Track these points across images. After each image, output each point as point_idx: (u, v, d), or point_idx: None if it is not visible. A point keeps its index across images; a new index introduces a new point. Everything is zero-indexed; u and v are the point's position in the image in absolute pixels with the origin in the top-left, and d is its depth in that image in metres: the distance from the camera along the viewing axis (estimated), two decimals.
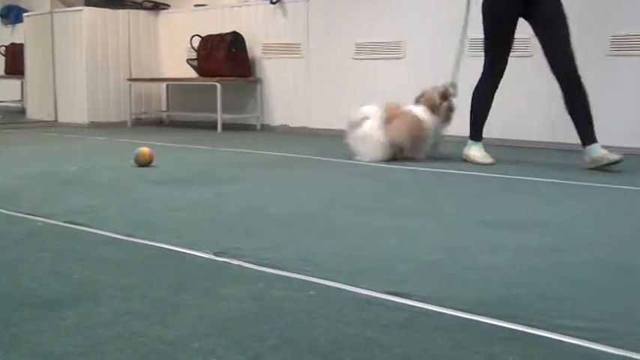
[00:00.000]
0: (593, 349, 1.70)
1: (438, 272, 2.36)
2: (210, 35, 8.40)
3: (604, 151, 4.58)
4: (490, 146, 5.27)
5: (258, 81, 8.33)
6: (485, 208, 3.49)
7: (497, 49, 4.94)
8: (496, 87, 5.02)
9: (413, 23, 6.99)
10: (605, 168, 4.53)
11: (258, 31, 8.28)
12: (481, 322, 1.88)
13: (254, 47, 8.33)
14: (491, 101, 5.08)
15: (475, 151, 5.11)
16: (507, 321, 1.88)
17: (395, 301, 2.05)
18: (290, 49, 8.04)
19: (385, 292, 2.12)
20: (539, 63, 5.03)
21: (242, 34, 8.26)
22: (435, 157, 5.24)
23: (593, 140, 4.64)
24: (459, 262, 2.47)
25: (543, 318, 1.89)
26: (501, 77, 4.99)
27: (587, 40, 5.52)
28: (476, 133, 5.14)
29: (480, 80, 5.06)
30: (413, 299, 2.06)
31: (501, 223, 3.07)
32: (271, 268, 2.38)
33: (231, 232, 2.96)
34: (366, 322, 1.88)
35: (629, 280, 2.27)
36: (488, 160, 5.03)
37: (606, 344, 1.71)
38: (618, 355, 1.66)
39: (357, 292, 2.14)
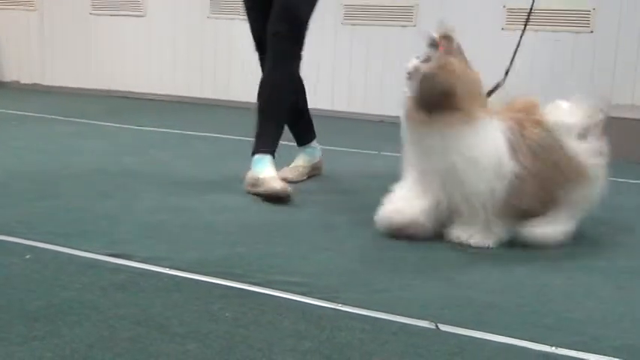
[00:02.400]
0: (301, 302, 1.79)
1: (161, 233, 2.36)
2: None
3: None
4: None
5: None
6: (217, 169, 3.53)
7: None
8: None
9: None
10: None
11: None
12: (200, 280, 1.92)
13: None
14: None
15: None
16: (225, 279, 1.93)
17: (115, 263, 2.02)
18: (22, 0, 7.56)
19: (105, 253, 2.09)
20: None
21: None
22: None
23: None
24: (183, 223, 2.48)
25: (260, 275, 1.96)
26: None
27: None
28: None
29: None
30: (133, 260, 2.04)
31: (231, 184, 3.12)
32: None
33: None
34: (83, 285, 1.84)
35: (335, 237, 2.40)
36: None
37: (313, 297, 1.82)
38: (321, 307, 1.77)
39: (75, 255, 2.08)
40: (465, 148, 2.32)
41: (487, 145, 2.33)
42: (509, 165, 2.31)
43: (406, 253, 2.25)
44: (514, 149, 2.33)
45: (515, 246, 2.39)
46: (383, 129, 5.40)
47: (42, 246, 2.15)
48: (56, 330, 1.54)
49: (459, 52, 2.40)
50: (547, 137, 2.37)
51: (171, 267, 2.00)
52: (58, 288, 1.81)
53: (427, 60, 2.39)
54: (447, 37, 2.39)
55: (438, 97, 2.32)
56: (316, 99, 5.92)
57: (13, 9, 7.62)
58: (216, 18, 6.55)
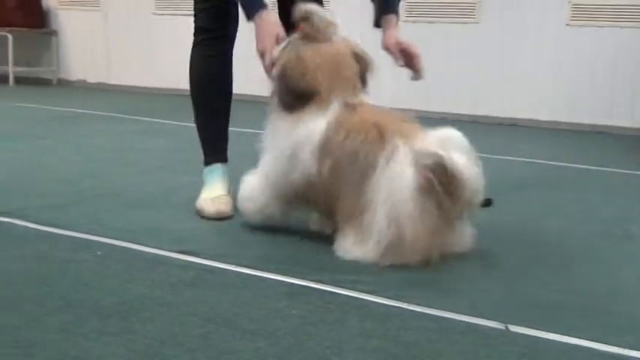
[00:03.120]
0: (367, 300, 1.80)
1: (226, 230, 2.39)
2: None
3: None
4: None
5: (53, 33, 7.95)
6: None
7: None
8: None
9: None
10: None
11: None
12: (266, 278, 1.93)
13: None
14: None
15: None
16: (291, 276, 1.94)
17: (183, 260, 2.06)
18: (87, 0, 7.72)
19: (173, 250, 2.12)
20: None
21: None
22: None
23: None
24: (248, 220, 2.50)
25: (326, 273, 1.97)
26: None
27: None
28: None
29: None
30: (201, 257, 2.07)
31: None
32: (57, 228, 2.31)
33: (17, 191, 2.83)
34: (153, 282, 1.87)
35: None
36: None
37: (378, 295, 1.83)
38: (387, 305, 1.77)
39: (144, 251, 2.12)
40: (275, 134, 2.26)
41: (292, 135, 2.20)
42: (305, 162, 2.17)
43: (469, 253, 2.23)
44: (323, 151, 2.14)
45: (583, 244, 2.36)
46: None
47: (112, 242, 2.19)
48: (129, 326, 1.57)
49: (323, 32, 2.24)
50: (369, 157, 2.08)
51: (237, 264, 2.02)
52: (129, 284, 1.84)
53: (285, 47, 2.26)
54: (306, 19, 2.24)
55: (291, 96, 2.22)
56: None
57: (79, 9, 7.79)
58: None
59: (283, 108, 2.24)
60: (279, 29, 2.31)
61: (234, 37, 2.75)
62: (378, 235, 2.05)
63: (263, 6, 2.36)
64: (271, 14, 2.35)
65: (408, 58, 2.49)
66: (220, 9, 2.64)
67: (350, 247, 2.11)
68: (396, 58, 2.51)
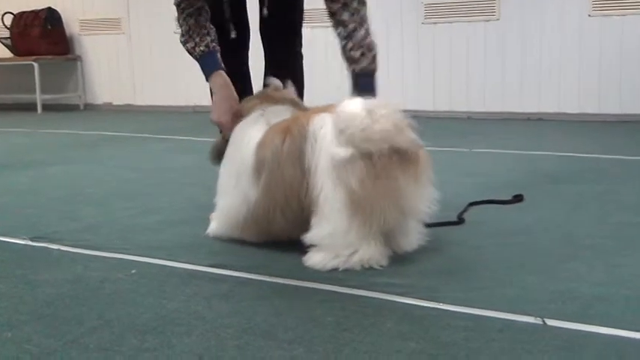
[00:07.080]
0: (402, 303, 1.79)
1: (256, 243, 2.37)
2: (24, 12, 8.02)
3: None
4: None
5: (77, 59, 8.05)
6: None
7: None
8: None
9: None
10: None
11: (74, 6, 7.99)
12: (299, 286, 1.93)
13: (71, 23, 8.03)
14: None
15: None
16: (325, 283, 1.94)
17: (216, 273, 2.06)
18: (110, 24, 7.81)
19: (206, 264, 2.13)
20: None
21: (57, 9, 7.94)
22: None
23: None
24: None
25: (360, 278, 1.97)
26: None
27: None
28: None
29: None
30: (234, 270, 2.08)
31: None
32: (90, 249, 2.34)
33: (50, 215, 2.87)
34: (188, 297, 1.88)
35: (431, 237, 2.39)
36: None
37: (414, 297, 1.82)
38: (423, 307, 1.76)
39: (178, 267, 2.13)
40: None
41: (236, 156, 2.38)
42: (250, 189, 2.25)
43: (502, 249, 2.22)
44: (258, 170, 2.21)
45: (617, 236, 2.33)
46: (471, 125, 5.34)
47: (145, 260, 2.21)
48: (166, 341, 1.58)
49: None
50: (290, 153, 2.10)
51: (270, 275, 2.03)
52: (164, 300, 1.85)
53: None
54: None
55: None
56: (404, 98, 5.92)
57: (102, 34, 7.88)
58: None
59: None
60: (235, 103, 2.53)
61: (248, 42, 2.94)
62: (331, 203, 2.00)
63: (219, 67, 2.63)
64: (229, 86, 2.58)
65: None
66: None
67: (317, 236, 2.07)
68: None
